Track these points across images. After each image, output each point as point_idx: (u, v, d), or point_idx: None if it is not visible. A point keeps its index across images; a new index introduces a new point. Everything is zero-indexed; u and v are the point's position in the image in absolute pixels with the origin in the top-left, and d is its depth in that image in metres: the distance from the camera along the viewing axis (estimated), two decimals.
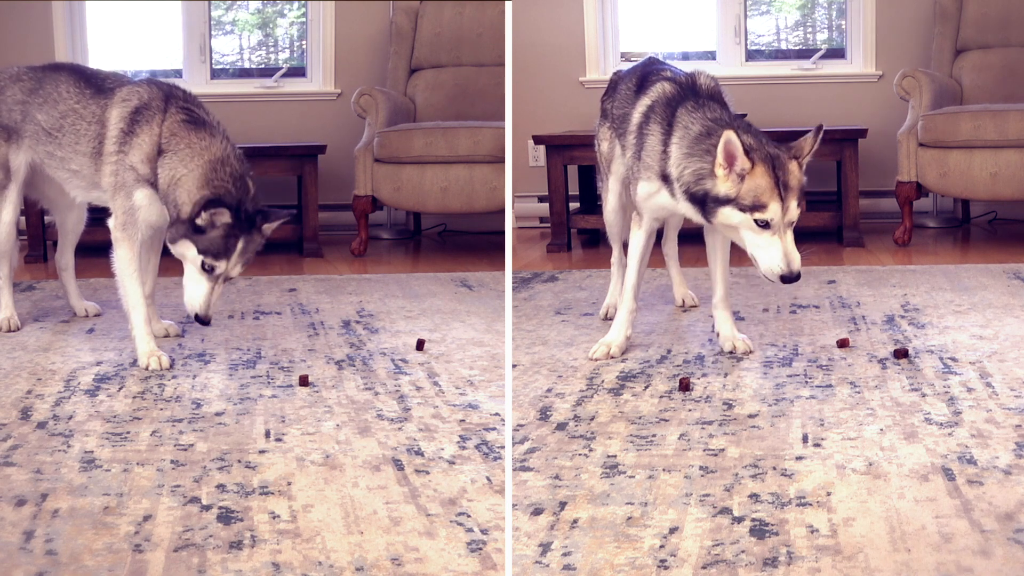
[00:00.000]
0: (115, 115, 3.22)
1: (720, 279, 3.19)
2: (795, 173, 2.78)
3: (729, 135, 2.75)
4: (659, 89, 3.12)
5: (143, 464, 2.35)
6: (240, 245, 3.03)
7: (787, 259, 2.76)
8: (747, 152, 2.75)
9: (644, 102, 3.16)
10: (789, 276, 2.76)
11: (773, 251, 2.77)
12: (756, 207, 2.77)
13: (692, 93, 3.05)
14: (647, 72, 3.31)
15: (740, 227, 2.82)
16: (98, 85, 3.33)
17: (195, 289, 3.07)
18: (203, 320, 3.07)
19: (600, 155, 3.64)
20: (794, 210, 2.76)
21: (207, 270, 3.03)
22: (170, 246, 3.10)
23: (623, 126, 3.32)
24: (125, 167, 3.17)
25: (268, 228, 3.10)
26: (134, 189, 3.17)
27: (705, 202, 2.86)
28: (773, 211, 2.76)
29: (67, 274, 3.82)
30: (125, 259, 3.21)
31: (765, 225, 2.77)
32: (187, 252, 3.05)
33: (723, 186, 2.81)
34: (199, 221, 2.99)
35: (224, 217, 2.98)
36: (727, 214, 2.82)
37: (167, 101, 3.18)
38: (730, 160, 2.78)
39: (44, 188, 3.66)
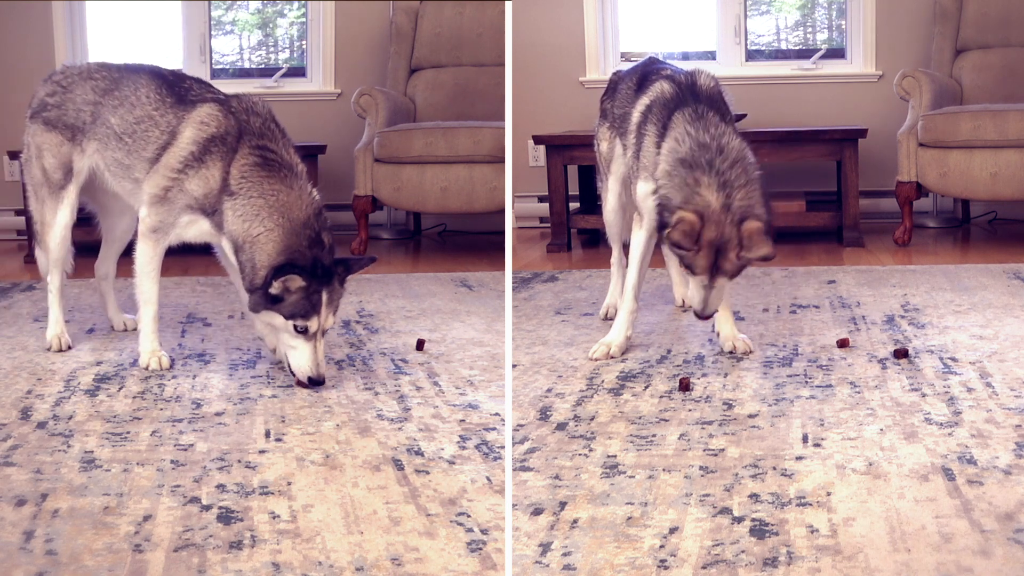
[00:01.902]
0: (189, 135, 3.07)
1: None
2: (733, 261, 2.88)
3: (685, 217, 2.83)
4: (658, 89, 3.12)
5: (143, 464, 2.35)
6: (324, 298, 2.92)
7: (704, 304, 2.96)
8: (695, 236, 2.84)
9: (643, 101, 3.16)
10: (700, 314, 2.99)
11: (698, 294, 2.95)
12: (690, 270, 2.92)
13: (691, 95, 3.05)
14: (647, 72, 3.31)
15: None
16: (180, 95, 3.15)
17: (299, 356, 2.92)
18: (318, 382, 2.93)
19: (600, 155, 3.64)
20: (722, 284, 2.95)
21: (301, 332, 2.92)
22: (255, 316, 3.01)
23: (623, 125, 3.32)
24: (181, 189, 3.06)
25: (350, 278, 3.03)
26: (182, 212, 3.07)
27: (662, 228, 2.95)
28: (700, 279, 2.93)
29: (107, 283, 3.61)
30: (147, 256, 3.12)
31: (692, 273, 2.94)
32: (275, 321, 2.95)
33: (677, 240, 2.91)
34: (272, 291, 2.89)
35: (296, 282, 2.88)
36: (674, 256, 3.00)
37: (239, 138, 3.04)
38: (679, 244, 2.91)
39: (97, 191, 3.43)
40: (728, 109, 3.10)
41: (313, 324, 2.91)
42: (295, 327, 2.91)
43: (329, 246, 2.97)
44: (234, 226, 2.99)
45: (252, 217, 2.97)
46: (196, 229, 3.10)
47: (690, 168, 2.88)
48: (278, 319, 2.92)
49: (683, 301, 3.79)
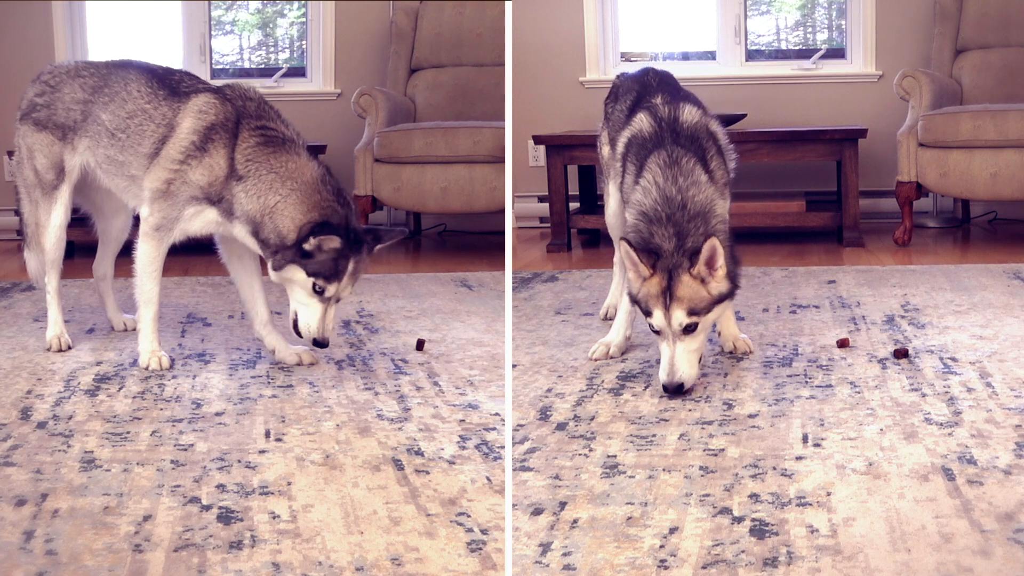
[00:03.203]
0: (188, 125, 3.06)
1: None
2: (688, 285, 2.76)
3: (625, 248, 2.79)
4: (638, 124, 3.09)
5: (143, 464, 2.35)
6: (351, 267, 2.95)
7: (669, 369, 2.76)
8: (651, 262, 2.78)
9: (625, 134, 3.14)
10: (668, 386, 2.77)
11: (664, 358, 2.78)
12: (646, 312, 2.80)
13: (670, 134, 2.99)
14: (641, 94, 3.27)
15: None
16: (172, 87, 3.14)
17: (308, 314, 2.96)
18: (321, 343, 2.98)
19: (602, 158, 3.64)
20: (680, 318, 2.74)
21: (318, 292, 2.94)
22: (274, 274, 2.98)
23: (613, 151, 3.33)
24: (184, 180, 3.04)
25: (380, 248, 3.04)
26: (187, 204, 3.06)
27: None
28: (658, 318, 2.77)
29: (105, 284, 3.59)
30: (150, 256, 3.11)
31: (657, 332, 2.80)
32: (295, 276, 2.95)
33: (632, 285, 2.84)
34: (307, 246, 2.91)
35: (334, 243, 2.90)
36: (639, 312, 2.87)
37: (238, 123, 3.04)
38: (634, 265, 2.80)
39: (90, 191, 3.43)
40: (715, 143, 3.04)
41: (332, 289, 2.94)
42: (314, 286, 2.93)
43: (353, 208, 3.00)
44: (249, 205, 2.99)
45: (266, 191, 2.98)
46: (202, 220, 3.09)
47: (649, 222, 2.85)
48: (299, 274, 2.94)
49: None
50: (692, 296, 2.75)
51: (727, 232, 2.90)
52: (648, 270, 2.78)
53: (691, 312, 2.75)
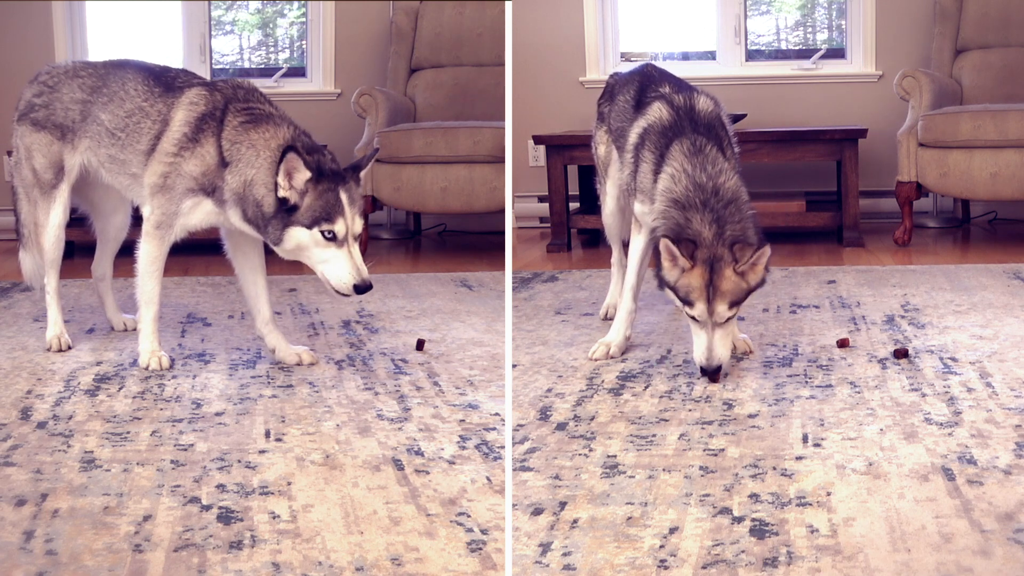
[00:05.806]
0: (181, 117, 3.06)
1: None
2: (730, 279, 2.80)
3: (665, 244, 2.80)
4: (655, 113, 3.09)
5: (143, 464, 2.35)
6: (344, 196, 2.85)
7: (708, 354, 2.84)
8: (690, 252, 2.80)
9: (640, 124, 3.13)
10: (706, 368, 2.85)
11: (700, 343, 2.85)
12: (687, 302, 2.83)
13: (689, 123, 3.01)
14: (644, 85, 3.27)
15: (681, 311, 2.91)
16: (168, 83, 3.15)
17: (336, 266, 2.85)
18: (363, 287, 2.85)
19: (597, 158, 3.64)
20: (723, 312, 2.81)
21: (330, 238, 2.84)
22: (281, 251, 2.92)
23: (620, 141, 3.31)
24: (179, 172, 3.03)
25: (364, 173, 2.96)
26: (184, 197, 3.04)
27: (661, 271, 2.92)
28: (699, 310, 2.82)
29: (104, 284, 3.58)
30: (152, 255, 3.09)
31: (694, 319, 2.84)
32: (300, 239, 2.86)
33: (668, 273, 2.85)
34: (281, 193, 2.84)
35: (301, 173, 2.81)
36: (670, 295, 2.90)
37: (226, 108, 3.02)
38: (673, 257, 2.82)
39: (87, 191, 3.43)
40: (727, 133, 3.07)
41: (340, 226, 2.85)
42: (323, 234, 2.85)
43: (332, 156, 2.93)
44: (233, 183, 2.97)
45: (245, 167, 2.95)
46: (200, 212, 3.07)
47: (683, 209, 2.87)
48: (301, 233, 2.86)
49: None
50: (734, 289, 2.81)
51: (756, 219, 2.92)
52: (689, 262, 2.80)
53: (732, 304, 2.82)
